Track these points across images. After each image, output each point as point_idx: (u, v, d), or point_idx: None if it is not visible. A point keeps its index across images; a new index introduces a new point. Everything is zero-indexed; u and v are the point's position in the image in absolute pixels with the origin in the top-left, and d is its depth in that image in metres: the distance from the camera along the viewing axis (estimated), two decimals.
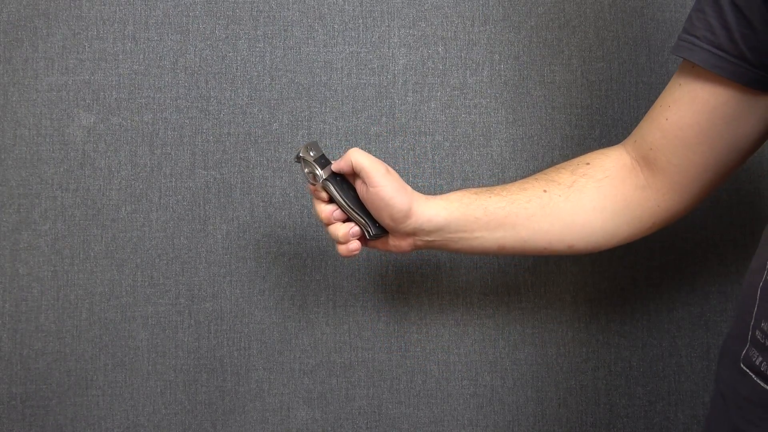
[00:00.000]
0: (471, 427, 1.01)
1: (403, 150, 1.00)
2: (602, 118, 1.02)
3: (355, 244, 0.81)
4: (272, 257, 0.99)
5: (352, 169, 0.80)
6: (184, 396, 0.99)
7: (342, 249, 0.82)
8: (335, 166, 0.81)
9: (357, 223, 0.81)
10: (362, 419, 1.00)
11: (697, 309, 1.04)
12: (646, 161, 0.80)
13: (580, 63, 1.02)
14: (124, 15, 0.98)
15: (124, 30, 0.98)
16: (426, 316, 1.01)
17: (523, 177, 1.01)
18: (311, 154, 0.81)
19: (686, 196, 0.80)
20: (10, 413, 0.97)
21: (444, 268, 1.01)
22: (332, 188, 0.80)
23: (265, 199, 0.99)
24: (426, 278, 1.01)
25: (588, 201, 0.81)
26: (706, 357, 1.04)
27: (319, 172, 0.80)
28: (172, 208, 0.98)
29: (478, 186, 0.95)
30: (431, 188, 1.00)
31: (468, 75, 1.01)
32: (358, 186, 0.80)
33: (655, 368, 1.03)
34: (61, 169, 0.97)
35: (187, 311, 0.99)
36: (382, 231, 0.81)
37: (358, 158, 0.79)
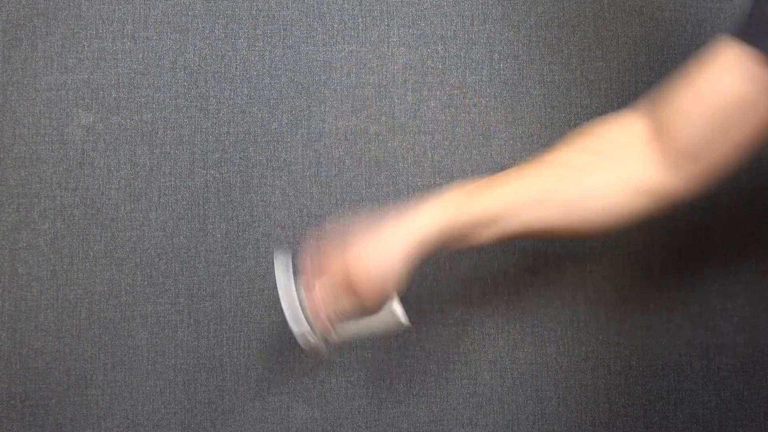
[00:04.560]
0: (470, 426, 1.01)
1: (403, 149, 1.00)
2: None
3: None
4: (272, 257, 0.99)
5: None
6: (184, 395, 0.98)
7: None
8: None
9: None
10: (362, 419, 1.00)
11: (697, 309, 1.03)
12: (659, 131, 0.76)
13: (579, 62, 1.02)
14: (123, 14, 0.98)
15: (123, 29, 0.98)
16: (426, 315, 1.01)
17: None
18: (310, 340, 0.81)
19: (697, 172, 0.76)
20: (9, 413, 0.97)
21: (444, 268, 1.01)
22: (343, 331, 0.81)
23: (265, 199, 0.99)
24: (426, 278, 1.01)
25: (595, 182, 0.77)
26: (706, 356, 1.03)
27: (324, 346, 0.82)
28: (171, 207, 0.98)
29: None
30: (431, 188, 1.00)
31: (467, 74, 1.01)
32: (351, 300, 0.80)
33: (655, 368, 1.03)
34: (61, 169, 0.97)
35: (186, 310, 0.98)
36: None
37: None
